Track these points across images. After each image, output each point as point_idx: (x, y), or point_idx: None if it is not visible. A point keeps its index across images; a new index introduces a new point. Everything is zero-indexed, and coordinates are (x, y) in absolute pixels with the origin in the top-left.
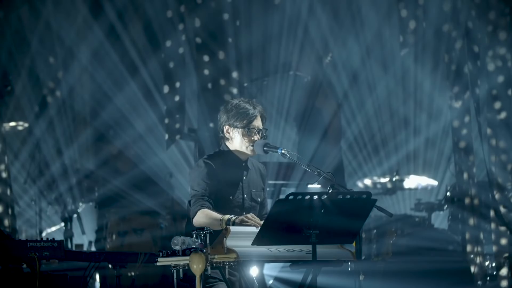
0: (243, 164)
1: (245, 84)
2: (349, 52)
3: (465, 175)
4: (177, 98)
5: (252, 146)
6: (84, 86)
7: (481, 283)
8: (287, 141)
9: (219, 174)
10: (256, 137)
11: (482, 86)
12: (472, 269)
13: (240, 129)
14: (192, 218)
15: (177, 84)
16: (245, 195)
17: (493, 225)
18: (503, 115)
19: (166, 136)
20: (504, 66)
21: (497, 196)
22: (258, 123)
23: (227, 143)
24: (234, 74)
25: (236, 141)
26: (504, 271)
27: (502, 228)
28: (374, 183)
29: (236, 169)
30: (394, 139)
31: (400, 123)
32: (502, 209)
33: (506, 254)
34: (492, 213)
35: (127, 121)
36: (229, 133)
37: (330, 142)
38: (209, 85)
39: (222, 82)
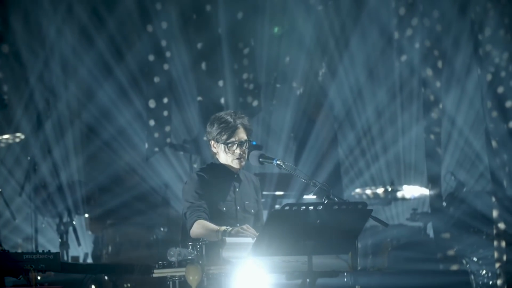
0: (235, 176)
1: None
2: (343, 64)
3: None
4: (165, 113)
5: (237, 159)
6: (83, 98)
7: None
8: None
9: (212, 186)
10: (238, 151)
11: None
12: (474, 285)
13: (222, 145)
14: (189, 230)
15: (165, 100)
16: (238, 207)
17: (495, 243)
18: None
19: (146, 146)
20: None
21: (496, 213)
22: (240, 135)
23: (217, 156)
24: (229, 84)
25: (221, 155)
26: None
27: (503, 244)
28: (369, 194)
29: (228, 181)
30: (388, 148)
31: (391, 129)
32: (501, 226)
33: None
34: (495, 230)
35: (128, 132)
36: (215, 147)
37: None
38: (204, 96)
39: (218, 90)
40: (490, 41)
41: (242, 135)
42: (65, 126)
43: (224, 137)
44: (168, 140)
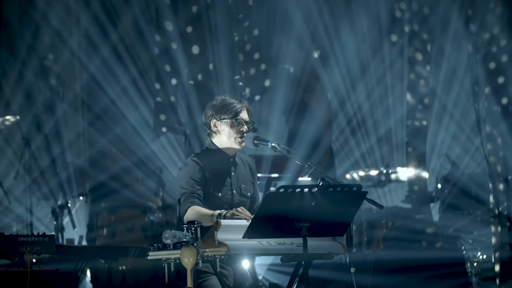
0: (231, 160)
1: (236, 77)
2: (341, 46)
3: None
4: (170, 98)
5: (241, 137)
6: (75, 77)
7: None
8: (277, 135)
9: (207, 171)
10: (244, 128)
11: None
12: (468, 267)
13: (228, 120)
14: (183, 216)
15: (168, 82)
16: (234, 191)
17: (492, 228)
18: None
19: (152, 124)
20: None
21: (492, 198)
22: (245, 115)
23: (214, 140)
24: (224, 69)
25: (224, 134)
26: (498, 268)
27: (499, 229)
28: (364, 176)
29: (223, 166)
30: (382, 129)
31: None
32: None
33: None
34: (491, 213)
35: (118, 113)
36: (216, 127)
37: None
38: (199, 77)
39: (211, 77)
40: (480, 15)
41: (246, 115)
42: (56, 103)
43: (232, 113)
44: (164, 129)
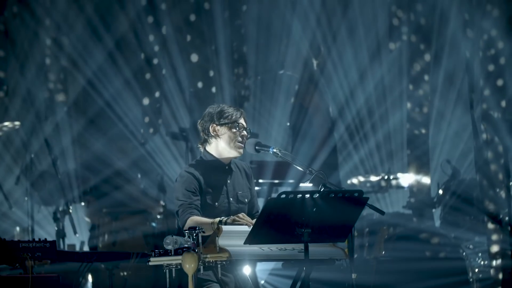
0: (226, 167)
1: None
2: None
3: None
4: (157, 106)
5: (240, 142)
6: (73, 82)
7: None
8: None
9: (202, 182)
10: (244, 132)
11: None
12: (470, 273)
13: (229, 124)
14: (183, 227)
15: (157, 94)
16: (231, 199)
17: (494, 236)
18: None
19: (142, 130)
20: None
21: (492, 206)
22: (243, 122)
23: (211, 147)
24: (224, 76)
25: (224, 139)
26: (501, 276)
27: (501, 236)
28: (366, 182)
29: (219, 174)
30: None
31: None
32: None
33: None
34: (489, 221)
35: (116, 117)
36: (215, 131)
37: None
38: (199, 84)
39: (212, 82)
40: (477, 18)
41: (244, 123)
42: (54, 108)
43: (232, 119)
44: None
